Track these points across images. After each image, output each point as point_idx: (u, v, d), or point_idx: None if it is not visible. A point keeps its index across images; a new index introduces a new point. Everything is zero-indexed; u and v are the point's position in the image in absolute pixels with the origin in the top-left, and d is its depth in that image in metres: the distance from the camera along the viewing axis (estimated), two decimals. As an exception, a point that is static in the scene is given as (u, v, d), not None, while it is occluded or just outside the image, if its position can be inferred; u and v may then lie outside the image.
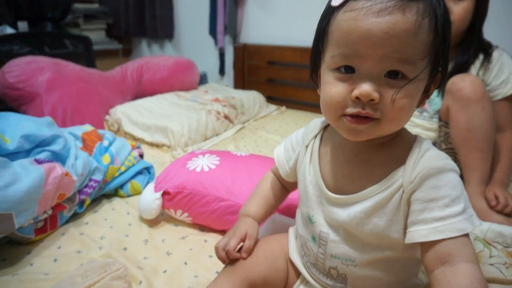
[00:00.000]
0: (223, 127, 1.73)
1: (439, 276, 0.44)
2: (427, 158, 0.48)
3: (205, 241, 0.90)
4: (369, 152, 0.52)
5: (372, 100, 0.44)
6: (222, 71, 2.56)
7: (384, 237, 0.50)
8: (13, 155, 0.87)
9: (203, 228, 0.95)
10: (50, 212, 0.88)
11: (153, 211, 0.92)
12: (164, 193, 0.92)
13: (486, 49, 1.11)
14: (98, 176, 1.01)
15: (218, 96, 1.91)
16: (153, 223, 0.96)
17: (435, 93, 1.11)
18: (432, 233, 0.45)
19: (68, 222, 0.95)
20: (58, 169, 0.86)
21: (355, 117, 0.46)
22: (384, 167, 0.50)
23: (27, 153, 0.91)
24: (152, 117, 1.59)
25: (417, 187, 0.47)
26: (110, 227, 0.95)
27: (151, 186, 0.96)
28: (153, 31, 2.77)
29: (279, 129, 1.83)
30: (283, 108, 2.18)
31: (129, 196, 1.11)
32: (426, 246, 0.46)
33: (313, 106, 2.15)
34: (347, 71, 0.46)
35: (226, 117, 1.75)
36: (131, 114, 1.62)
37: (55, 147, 0.93)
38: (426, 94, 0.51)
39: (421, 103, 0.51)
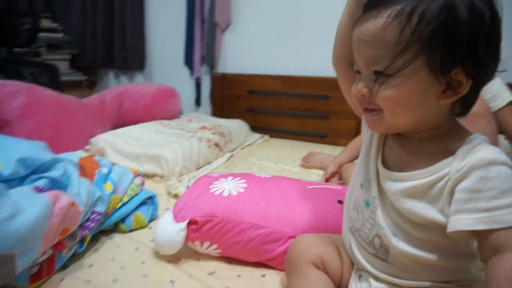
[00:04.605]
0: (214, 155, 1.63)
1: (489, 267, 0.44)
2: (478, 150, 0.48)
3: (239, 276, 0.78)
4: (417, 144, 0.55)
5: (364, 95, 0.52)
6: (198, 101, 2.48)
7: (421, 218, 0.52)
8: (4, 183, 0.71)
9: (230, 260, 0.83)
10: (50, 252, 0.72)
11: (177, 244, 0.79)
12: (190, 223, 0.80)
13: None
14: (101, 208, 0.86)
15: (205, 124, 1.82)
16: (171, 259, 0.83)
17: None
18: (476, 222, 0.45)
19: (67, 266, 0.79)
20: (65, 197, 0.71)
21: (365, 109, 0.54)
22: (432, 156, 0.52)
23: (19, 180, 0.75)
24: (141, 146, 1.44)
25: (464, 177, 0.47)
26: (121, 268, 0.80)
27: (168, 216, 0.83)
28: (122, 62, 2.64)
29: (269, 156, 1.76)
30: (266, 136, 2.13)
31: (131, 230, 0.96)
32: (480, 238, 0.46)
33: (296, 134, 2.12)
34: (358, 73, 0.54)
35: (216, 144, 1.66)
36: (116, 143, 1.46)
37: (54, 173, 0.78)
38: (452, 91, 0.49)
39: (450, 102, 0.50)
